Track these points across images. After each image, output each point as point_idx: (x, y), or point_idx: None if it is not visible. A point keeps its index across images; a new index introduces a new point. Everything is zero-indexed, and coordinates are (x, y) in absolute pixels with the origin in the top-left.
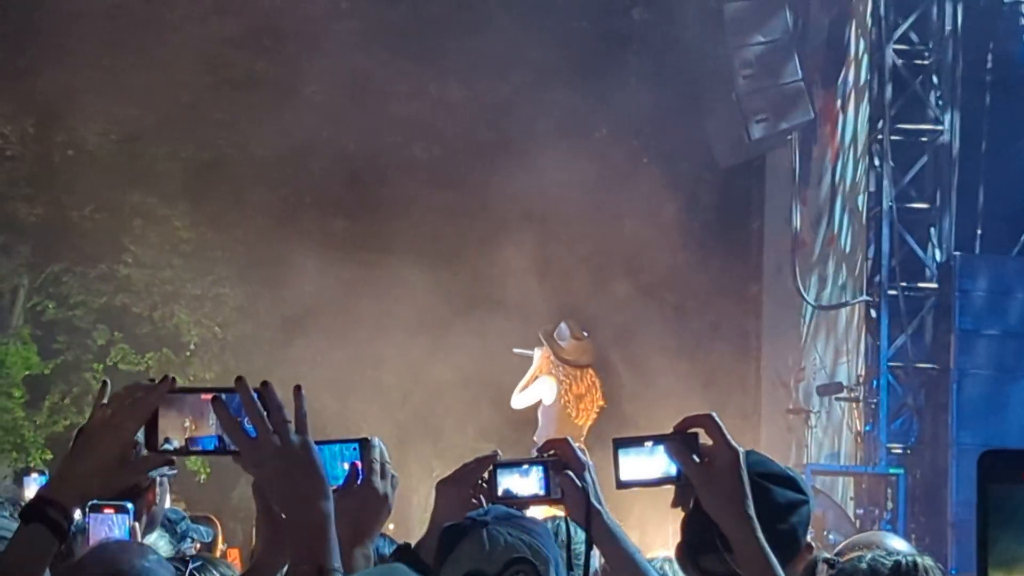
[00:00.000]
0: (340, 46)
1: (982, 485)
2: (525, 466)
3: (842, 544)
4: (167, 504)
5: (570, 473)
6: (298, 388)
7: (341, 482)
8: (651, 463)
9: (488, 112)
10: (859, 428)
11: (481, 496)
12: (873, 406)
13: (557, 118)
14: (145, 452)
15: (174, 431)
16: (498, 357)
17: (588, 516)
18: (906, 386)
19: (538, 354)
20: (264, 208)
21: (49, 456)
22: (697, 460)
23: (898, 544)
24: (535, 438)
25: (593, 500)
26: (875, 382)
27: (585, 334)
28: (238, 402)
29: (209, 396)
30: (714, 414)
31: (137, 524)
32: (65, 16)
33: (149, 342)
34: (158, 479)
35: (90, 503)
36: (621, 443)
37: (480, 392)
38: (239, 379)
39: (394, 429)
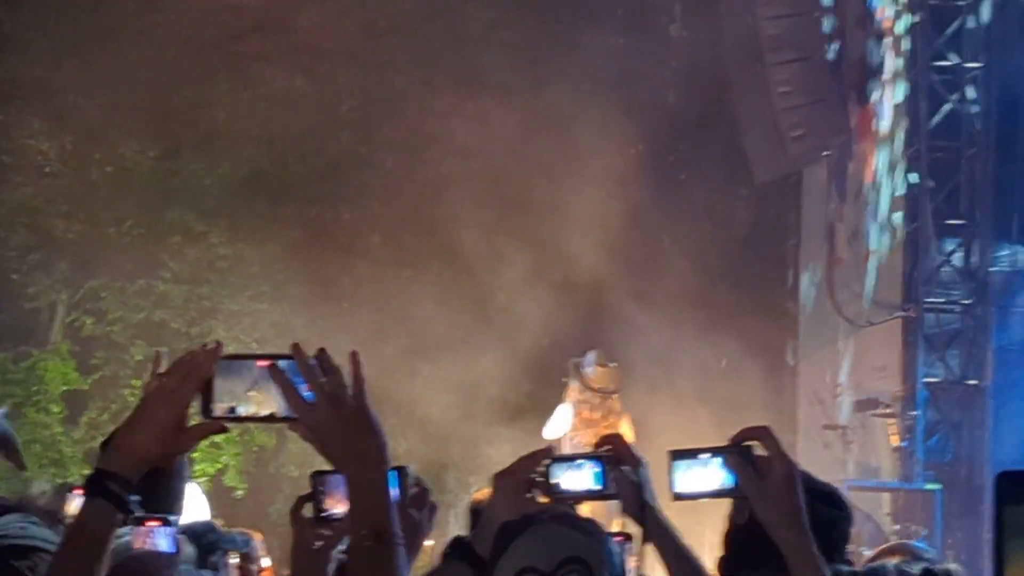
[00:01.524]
0: (377, 63)
1: (998, 506)
2: (580, 461)
3: (873, 552)
4: (207, 517)
5: (625, 469)
6: (355, 354)
7: None
8: (706, 475)
9: (525, 129)
10: (896, 444)
11: (536, 490)
12: (910, 422)
13: (593, 134)
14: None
15: (238, 399)
16: (534, 376)
17: (643, 511)
18: (943, 402)
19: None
20: (301, 224)
21: (87, 471)
22: (753, 473)
23: (928, 555)
24: None
25: (647, 496)
26: (912, 398)
27: (612, 363)
28: (294, 368)
29: (266, 363)
30: (770, 427)
31: (183, 537)
32: (103, 34)
33: None
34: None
35: (133, 516)
36: (677, 455)
37: (517, 410)
38: (295, 345)
39: (431, 445)
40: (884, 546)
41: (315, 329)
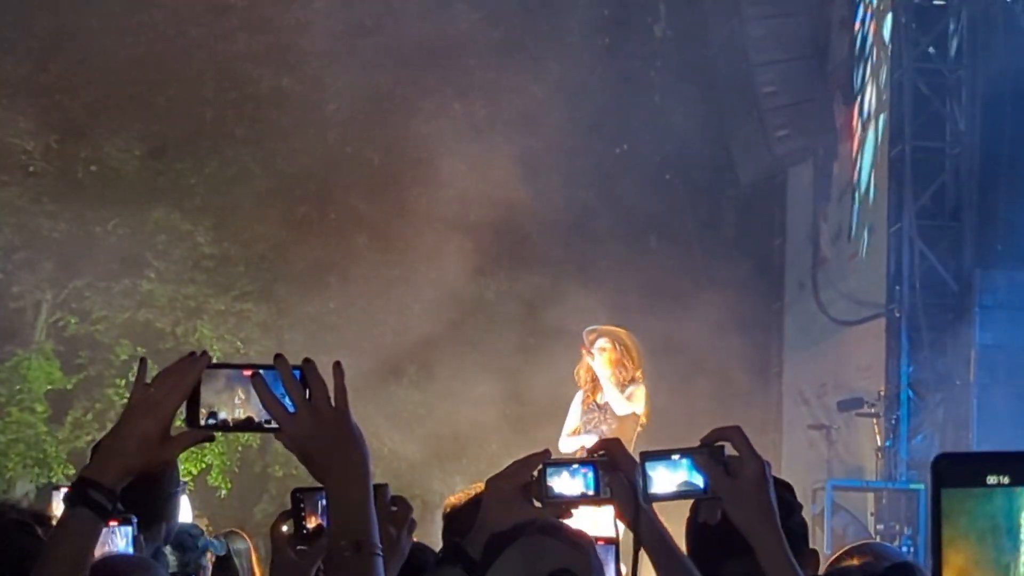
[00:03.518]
0: (363, 63)
1: (936, 489)
2: (575, 466)
3: (836, 554)
4: (190, 518)
5: (620, 473)
6: (338, 364)
7: None
8: (678, 476)
9: (512, 129)
10: (880, 444)
11: (531, 495)
12: (894, 421)
13: (580, 135)
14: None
15: (224, 406)
16: (524, 373)
17: (637, 516)
18: (927, 401)
19: (598, 359)
20: (287, 224)
21: (71, 471)
22: (724, 473)
23: (891, 555)
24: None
25: (642, 501)
26: (896, 398)
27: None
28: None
29: (250, 372)
30: (739, 427)
31: (142, 536)
32: (89, 32)
33: (172, 357)
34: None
35: None
36: (648, 456)
37: (504, 408)
38: (278, 356)
39: (417, 446)
40: (847, 547)
41: (302, 329)
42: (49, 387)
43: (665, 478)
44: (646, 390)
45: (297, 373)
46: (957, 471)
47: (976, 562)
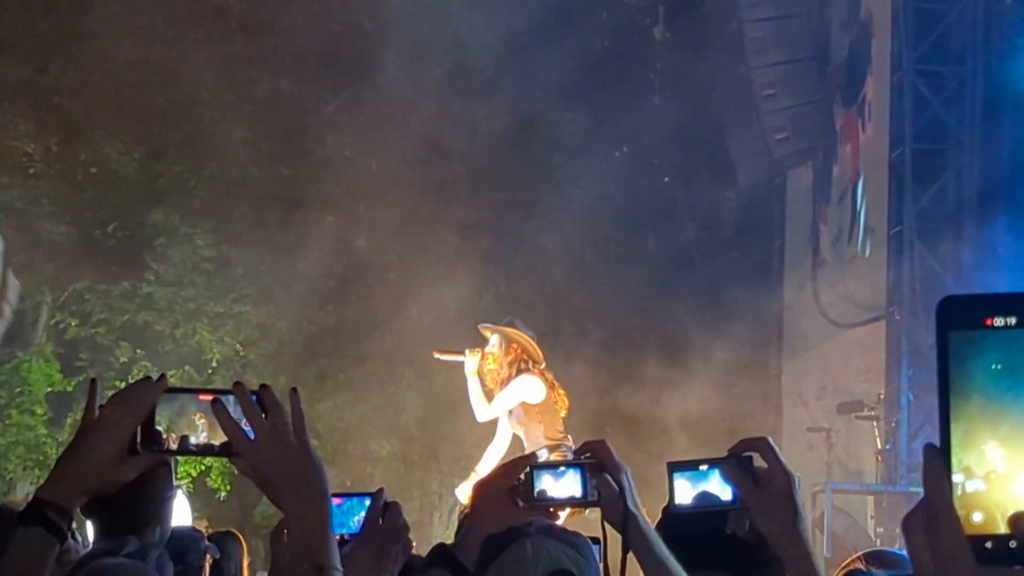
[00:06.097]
0: (362, 65)
1: (942, 333)
2: (562, 468)
3: (849, 559)
4: (189, 520)
5: (607, 476)
6: (294, 390)
7: (356, 530)
8: (706, 487)
9: (510, 130)
10: (880, 447)
11: (518, 498)
12: (894, 424)
13: (578, 137)
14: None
15: (189, 429)
16: None
17: (625, 519)
18: (927, 404)
19: (472, 358)
20: (286, 227)
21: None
22: (753, 484)
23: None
24: (528, 443)
25: (630, 503)
26: (896, 401)
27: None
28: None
29: (208, 397)
30: (769, 438)
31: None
32: (88, 34)
33: (171, 360)
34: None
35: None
36: (676, 467)
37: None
38: (237, 383)
39: (414, 447)
40: (859, 553)
41: (300, 332)
42: (49, 389)
43: (692, 489)
44: (538, 377)
45: (253, 398)
46: (963, 313)
47: (987, 404)
